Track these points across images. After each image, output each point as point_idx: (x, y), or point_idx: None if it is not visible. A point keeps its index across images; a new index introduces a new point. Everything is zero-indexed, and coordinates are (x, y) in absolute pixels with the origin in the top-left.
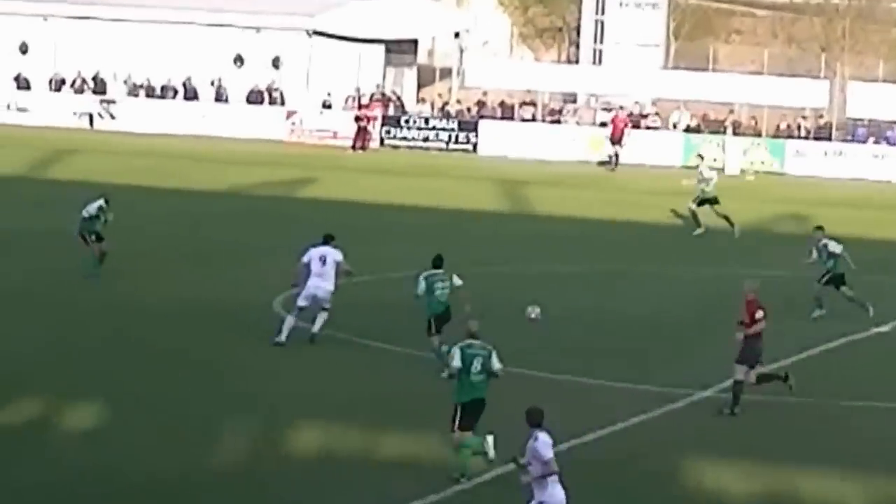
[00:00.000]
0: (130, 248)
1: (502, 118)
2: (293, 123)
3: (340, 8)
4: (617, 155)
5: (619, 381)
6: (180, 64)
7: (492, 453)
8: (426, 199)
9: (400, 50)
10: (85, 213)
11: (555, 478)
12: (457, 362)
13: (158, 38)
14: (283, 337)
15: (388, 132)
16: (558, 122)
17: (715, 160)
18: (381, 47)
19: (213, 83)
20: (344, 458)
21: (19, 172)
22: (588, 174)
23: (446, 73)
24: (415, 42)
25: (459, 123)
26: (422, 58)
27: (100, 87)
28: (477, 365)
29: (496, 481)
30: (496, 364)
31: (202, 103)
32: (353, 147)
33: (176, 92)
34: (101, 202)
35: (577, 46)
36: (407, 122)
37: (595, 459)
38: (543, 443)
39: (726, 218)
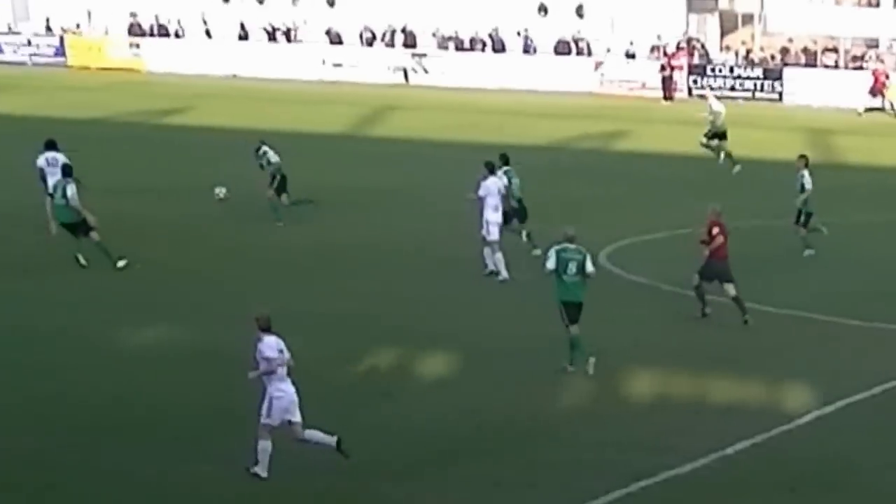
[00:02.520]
0: (456, 208)
1: (806, 65)
2: (602, 74)
3: None
4: (891, 103)
5: None
6: (487, 14)
7: (591, 371)
8: (738, 149)
9: None
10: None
11: (281, 374)
12: (551, 264)
13: None
14: (504, 274)
15: (695, 81)
16: (860, 68)
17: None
18: None
19: (519, 34)
20: (677, 402)
21: (342, 130)
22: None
23: (748, 18)
24: None
25: (764, 72)
26: (723, 3)
27: (410, 40)
28: (572, 267)
29: (818, 422)
30: (590, 267)
31: (510, 55)
32: (665, 97)
33: (484, 44)
34: (259, 147)
35: None
36: (713, 70)
37: None
38: (266, 344)
39: (725, 153)
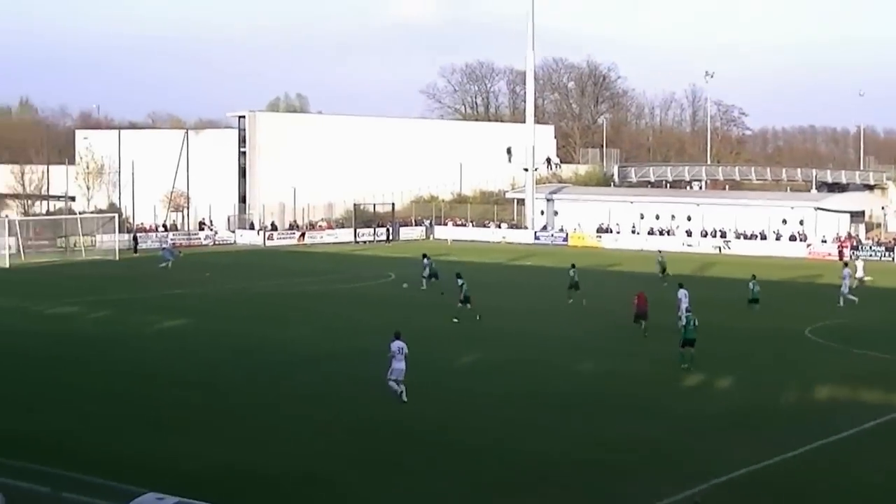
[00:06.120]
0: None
1: None
2: (809, 249)
3: (832, 197)
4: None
5: None
6: (761, 221)
7: (687, 365)
8: (882, 283)
9: (856, 213)
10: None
11: (399, 358)
12: (683, 321)
13: (726, 213)
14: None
15: (853, 252)
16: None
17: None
18: (848, 214)
19: (773, 231)
20: (832, 401)
21: (688, 273)
22: None
23: (878, 224)
24: (863, 212)
25: (885, 248)
26: (867, 217)
27: (722, 234)
28: (693, 321)
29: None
30: (696, 321)
31: (769, 241)
32: (840, 259)
33: (758, 235)
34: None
35: None
36: (862, 247)
37: None
38: (394, 344)
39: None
